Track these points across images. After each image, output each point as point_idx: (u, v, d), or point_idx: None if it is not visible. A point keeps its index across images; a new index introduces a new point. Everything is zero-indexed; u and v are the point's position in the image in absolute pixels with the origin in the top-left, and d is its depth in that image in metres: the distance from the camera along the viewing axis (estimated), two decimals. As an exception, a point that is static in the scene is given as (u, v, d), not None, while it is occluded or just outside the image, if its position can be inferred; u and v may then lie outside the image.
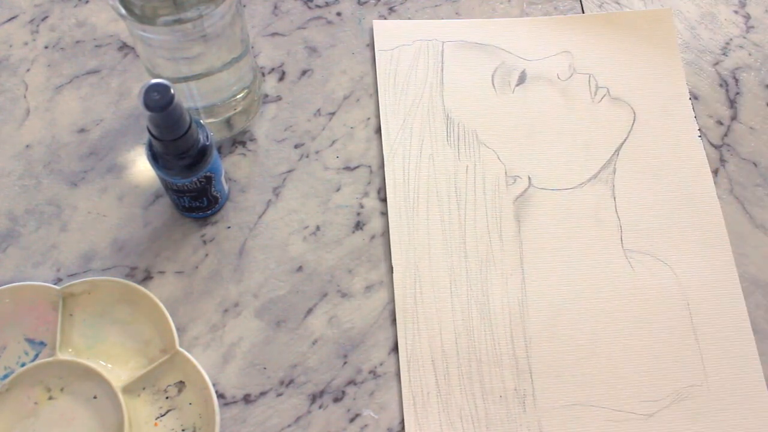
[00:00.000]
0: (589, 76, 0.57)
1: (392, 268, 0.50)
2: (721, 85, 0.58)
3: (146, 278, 0.50)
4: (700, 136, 0.55)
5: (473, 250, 0.51)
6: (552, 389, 0.47)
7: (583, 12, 0.60)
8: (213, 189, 0.48)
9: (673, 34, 0.59)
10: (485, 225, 0.51)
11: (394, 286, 0.49)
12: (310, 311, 0.49)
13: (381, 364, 0.48)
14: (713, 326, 0.49)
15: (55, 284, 0.48)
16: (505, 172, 0.53)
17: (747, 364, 0.48)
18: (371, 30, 0.58)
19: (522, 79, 0.56)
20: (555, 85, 0.56)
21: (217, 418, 0.45)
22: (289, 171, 0.54)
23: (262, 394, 0.47)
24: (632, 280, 0.51)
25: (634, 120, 0.56)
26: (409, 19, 0.59)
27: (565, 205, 0.53)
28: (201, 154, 0.45)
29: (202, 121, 0.46)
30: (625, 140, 0.55)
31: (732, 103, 0.57)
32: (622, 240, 0.52)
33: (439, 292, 0.49)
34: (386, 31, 0.58)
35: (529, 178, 0.53)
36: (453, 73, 0.56)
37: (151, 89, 0.39)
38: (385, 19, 0.59)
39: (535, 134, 0.55)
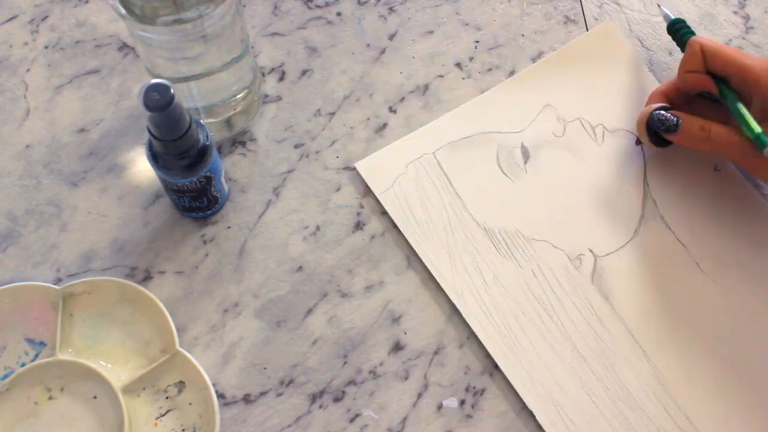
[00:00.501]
0: (580, 120, 0.55)
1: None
2: (720, 86, 0.58)
3: (146, 278, 0.50)
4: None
5: (586, 350, 0.49)
6: None
7: (582, 12, 0.60)
8: (213, 189, 0.48)
9: (624, 43, 0.58)
10: (582, 319, 0.49)
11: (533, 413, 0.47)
12: (310, 311, 0.49)
13: (381, 364, 0.48)
14: None
15: (55, 284, 0.48)
16: (567, 257, 0.51)
17: None
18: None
19: (526, 155, 0.54)
20: (557, 145, 0.54)
21: (217, 418, 0.45)
22: (289, 171, 0.54)
23: (262, 394, 0.47)
24: (719, 295, 0.50)
25: (641, 144, 0.54)
26: (391, 143, 0.54)
27: (636, 261, 0.51)
28: (201, 154, 0.45)
29: (202, 121, 0.47)
30: (645, 166, 0.54)
31: (732, 104, 0.57)
32: (699, 265, 0.51)
33: (584, 413, 0.47)
34: (373, 169, 0.53)
35: (590, 250, 0.51)
36: (461, 179, 0.53)
37: (151, 89, 0.39)
38: (385, 19, 0.59)
39: (569, 205, 0.53)
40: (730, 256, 0.51)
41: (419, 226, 0.51)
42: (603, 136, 0.55)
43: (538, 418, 0.47)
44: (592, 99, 0.56)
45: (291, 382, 0.48)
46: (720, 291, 0.50)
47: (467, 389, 0.48)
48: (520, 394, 0.47)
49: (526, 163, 0.53)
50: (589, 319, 0.49)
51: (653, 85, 0.56)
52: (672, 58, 0.58)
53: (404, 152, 0.54)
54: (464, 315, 0.49)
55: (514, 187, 0.53)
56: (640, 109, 0.54)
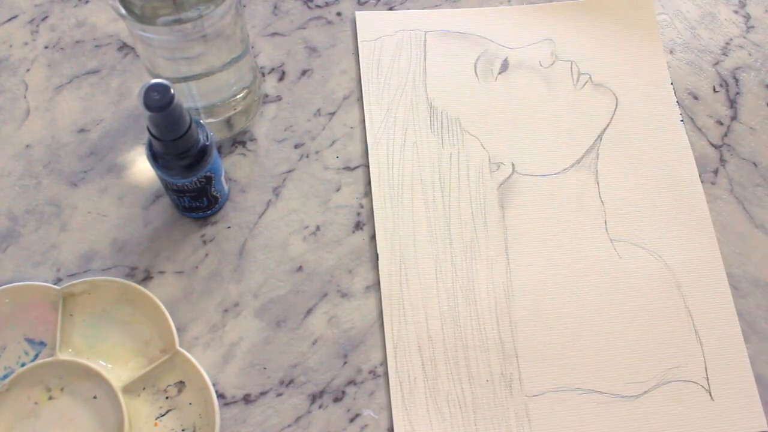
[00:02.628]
0: (571, 63, 0.57)
1: (377, 255, 0.50)
2: (721, 85, 0.58)
3: (146, 278, 0.50)
4: (682, 120, 0.56)
5: (458, 237, 0.51)
6: (538, 373, 0.48)
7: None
8: (213, 189, 0.48)
9: (654, 19, 0.59)
10: (470, 212, 0.52)
11: (380, 274, 0.50)
12: (310, 311, 0.49)
13: (381, 364, 0.48)
14: (697, 308, 0.50)
15: (55, 284, 0.48)
16: (489, 159, 0.53)
17: (731, 344, 0.49)
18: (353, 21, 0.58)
19: (504, 66, 0.56)
20: (537, 73, 0.57)
21: (217, 418, 0.45)
22: (289, 171, 0.54)
23: (262, 394, 0.47)
24: (616, 263, 0.51)
25: (616, 105, 0.56)
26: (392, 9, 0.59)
27: (548, 191, 0.53)
28: (201, 154, 0.45)
29: (202, 121, 0.46)
30: (607, 126, 0.55)
31: (732, 103, 0.57)
32: (606, 224, 0.52)
33: (425, 279, 0.50)
34: (369, 22, 0.58)
35: (513, 164, 0.53)
36: (436, 63, 0.57)
37: (151, 89, 0.39)
38: (385, 18, 0.59)
39: (518, 121, 0.55)
40: (640, 234, 0.52)
41: (377, 79, 0.56)
42: (584, 84, 0.56)
43: (380, 262, 0.50)
44: (595, 51, 0.58)
45: (291, 382, 0.48)
46: (611, 253, 0.51)
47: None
48: (377, 240, 0.51)
49: (500, 73, 0.56)
50: (476, 213, 0.51)
51: (663, 64, 0.57)
52: (672, 56, 0.58)
53: (401, 21, 0.58)
54: (369, 158, 0.53)
55: (476, 87, 0.56)
56: (639, 78, 0.56)
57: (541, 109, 0.55)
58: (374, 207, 0.52)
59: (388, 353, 0.48)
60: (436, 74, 0.56)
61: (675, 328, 0.49)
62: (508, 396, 0.47)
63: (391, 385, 0.47)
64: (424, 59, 0.57)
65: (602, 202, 0.53)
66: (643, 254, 0.51)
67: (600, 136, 0.55)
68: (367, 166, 0.54)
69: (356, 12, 0.58)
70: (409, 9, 0.59)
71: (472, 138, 0.54)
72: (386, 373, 0.48)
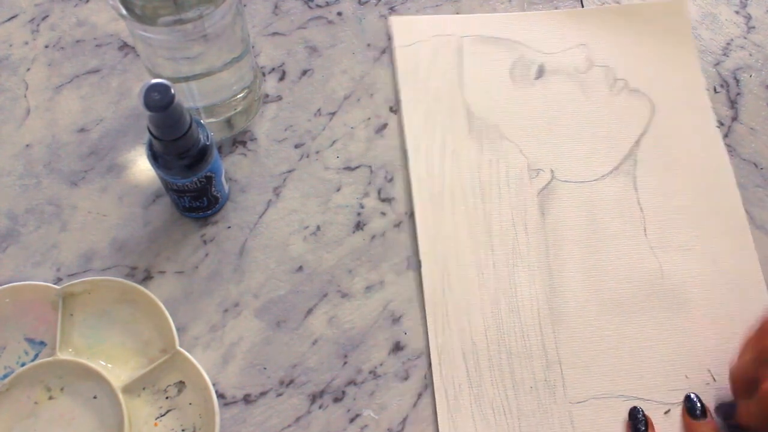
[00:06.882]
0: (607, 69, 0.57)
1: (420, 262, 0.50)
2: (722, 86, 0.58)
3: (146, 278, 0.50)
4: (718, 126, 0.55)
5: (499, 243, 0.51)
6: (582, 379, 0.47)
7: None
8: (213, 189, 0.48)
9: (688, 25, 0.59)
10: (510, 218, 0.52)
11: (423, 281, 0.50)
12: (310, 311, 0.49)
13: (381, 364, 0.48)
14: (737, 316, 0.49)
15: (55, 284, 0.48)
16: (528, 166, 0.53)
17: None
18: (385, 27, 0.58)
19: (540, 72, 0.56)
20: (573, 78, 0.56)
21: (217, 418, 0.45)
22: (290, 171, 0.54)
23: (262, 394, 0.47)
24: (656, 270, 0.51)
25: (653, 111, 0.56)
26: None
27: (588, 198, 0.53)
28: (201, 154, 0.45)
29: (202, 121, 0.46)
30: (644, 132, 0.55)
31: (733, 104, 0.57)
32: (645, 231, 0.52)
33: (468, 286, 0.50)
34: (404, 27, 0.58)
35: (552, 170, 0.53)
36: (472, 68, 0.57)
37: (152, 89, 0.39)
38: (386, 18, 0.59)
39: (555, 127, 0.55)
40: (679, 241, 0.52)
41: (414, 85, 0.56)
42: (621, 90, 0.56)
43: (423, 269, 0.50)
44: (630, 57, 0.58)
45: (291, 382, 0.48)
46: (651, 259, 0.51)
47: (467, 389, 0.48)
48: (420, 246, 0.50)
49: (536, 78, 0.56)
50: (516, 221, 0.51)
51: (698, 69, 0.57)
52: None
53: (437, 25, 0.58)
54: (410, 165, 0.53)
55: (514, 92, 0.55)
56: (674, 83, 0.56)
57: (577, 115, 0.55)
58: (416, 214, 0.52)
59: (432, 360, 0.48)
60: (473, 80, 0.56)
61: (716, 335, 0.49)
62: (552, 403, 0.47)
63: (436, 392, 0.47)
64: (461, 64, 0.56)
65: (641, 208, 0.52)
66: (682, 261, 0.51)
67: (637, 142, 0.55)
68: (368, 166, 0.54)
69: (391, 17, 0.58)
70: (409, 9, 0.59)
71: (511, 144, 0.54)
72: (386, 374, 0.48)
